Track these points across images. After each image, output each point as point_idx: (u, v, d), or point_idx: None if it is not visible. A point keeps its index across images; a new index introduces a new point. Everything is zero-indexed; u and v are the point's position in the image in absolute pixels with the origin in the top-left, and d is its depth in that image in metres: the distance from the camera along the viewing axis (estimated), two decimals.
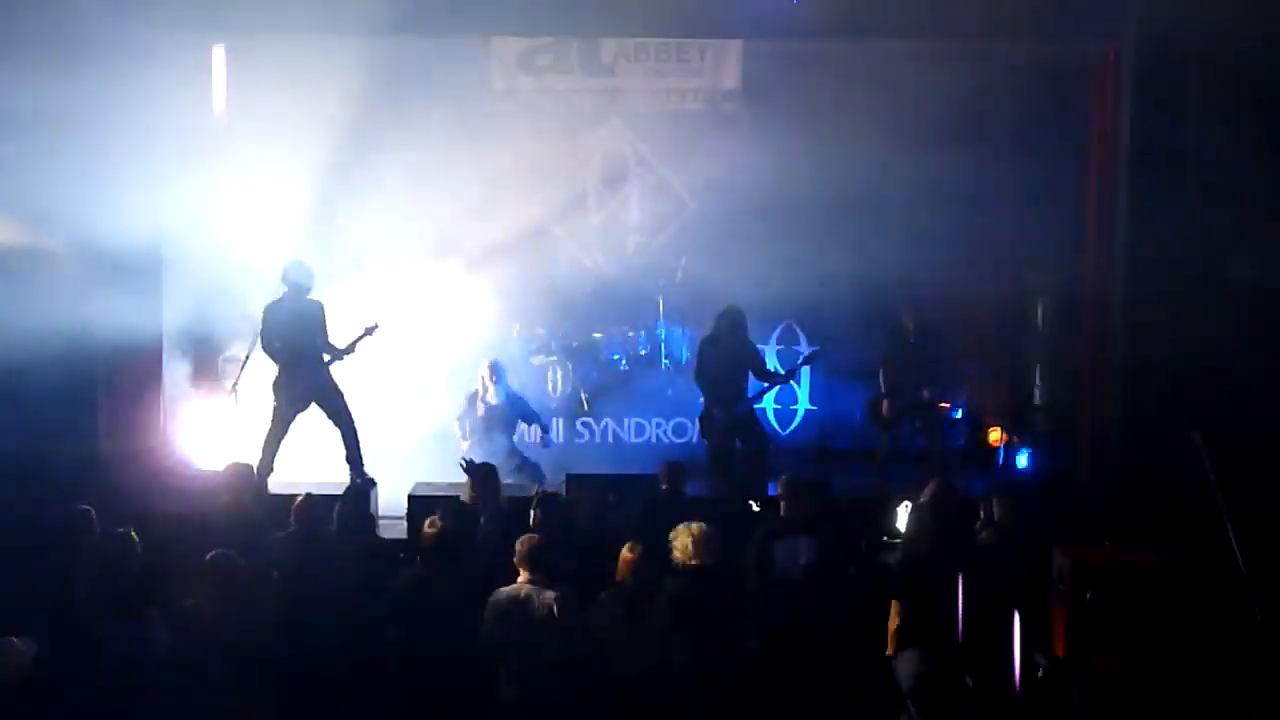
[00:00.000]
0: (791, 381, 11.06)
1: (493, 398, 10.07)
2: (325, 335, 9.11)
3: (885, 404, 9.89)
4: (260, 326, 9.14)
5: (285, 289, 9.12)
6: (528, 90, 12.69)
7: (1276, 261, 9.08)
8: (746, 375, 9.64)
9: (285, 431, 9.18)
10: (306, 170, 10.54)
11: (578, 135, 12.90)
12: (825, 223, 11.30)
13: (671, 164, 12.96)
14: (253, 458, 9.07)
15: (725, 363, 9.52)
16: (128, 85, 9.05)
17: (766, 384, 9.79)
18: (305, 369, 9.06)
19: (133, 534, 6.65)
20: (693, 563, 6.50)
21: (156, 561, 6.73)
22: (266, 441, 9.18)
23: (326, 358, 9.11)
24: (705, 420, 9.64)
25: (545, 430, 10.44)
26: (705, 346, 9.73)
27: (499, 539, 7.14)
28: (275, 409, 9.17)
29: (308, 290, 9.12)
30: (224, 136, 10.30)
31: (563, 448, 10.64)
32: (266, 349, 9.13)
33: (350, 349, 9.10)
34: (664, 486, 8.07)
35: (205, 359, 10.68)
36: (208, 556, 6.39)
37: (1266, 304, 8.99)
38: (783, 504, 7.17)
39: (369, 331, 9.12)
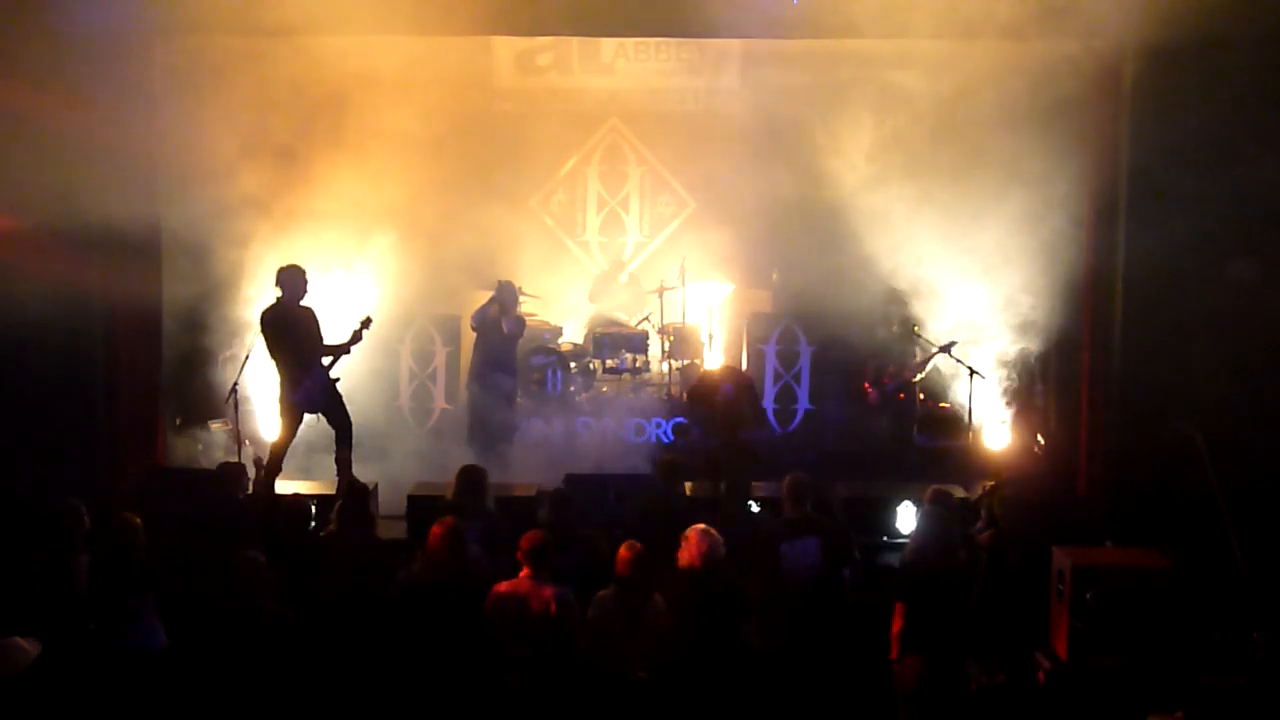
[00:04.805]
0: (791, 383, 11.15)
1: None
2: (322, 339, 9.01)
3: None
4: (261, 334, 8.95)
5: (281, 294, 8.88)
6: (528, 90, 12.72)
7: (1276, 261, 9.09)
8: (740, 410, 9.59)
9: (293, 437, 9.07)
10: (307, 170, 10.56)
11: (578, 135, 12.93)
12: (825, 222, 11.32)
13: (671, 164, 12.98)
14: (250, 459, 9.08)
15: (721, 406, 9.47)
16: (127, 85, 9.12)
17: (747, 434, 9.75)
18: (309, 375, 8.90)
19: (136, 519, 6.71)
20: (697, 565, 6.49)
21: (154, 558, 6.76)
22: (275, 447, 9.08)
23: (327, 360, 9.03)
24: (682, 433, 10.02)
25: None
26: (703, 387, 9.72)
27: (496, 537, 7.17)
28: (283, 418, 9.01)
29: (304, 296, 8.95)
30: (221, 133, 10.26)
31: (563, 448, 10.64)
32: (272, 357, 8.94)
33: (349, 345, 9.00)
34: (660, 482, 8.03)
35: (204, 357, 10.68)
36: (233, 555, 6.36)
37: (1266, 304, 8.98)
38: (787, 505, 7.07)
39: (365, 325, 9.01)
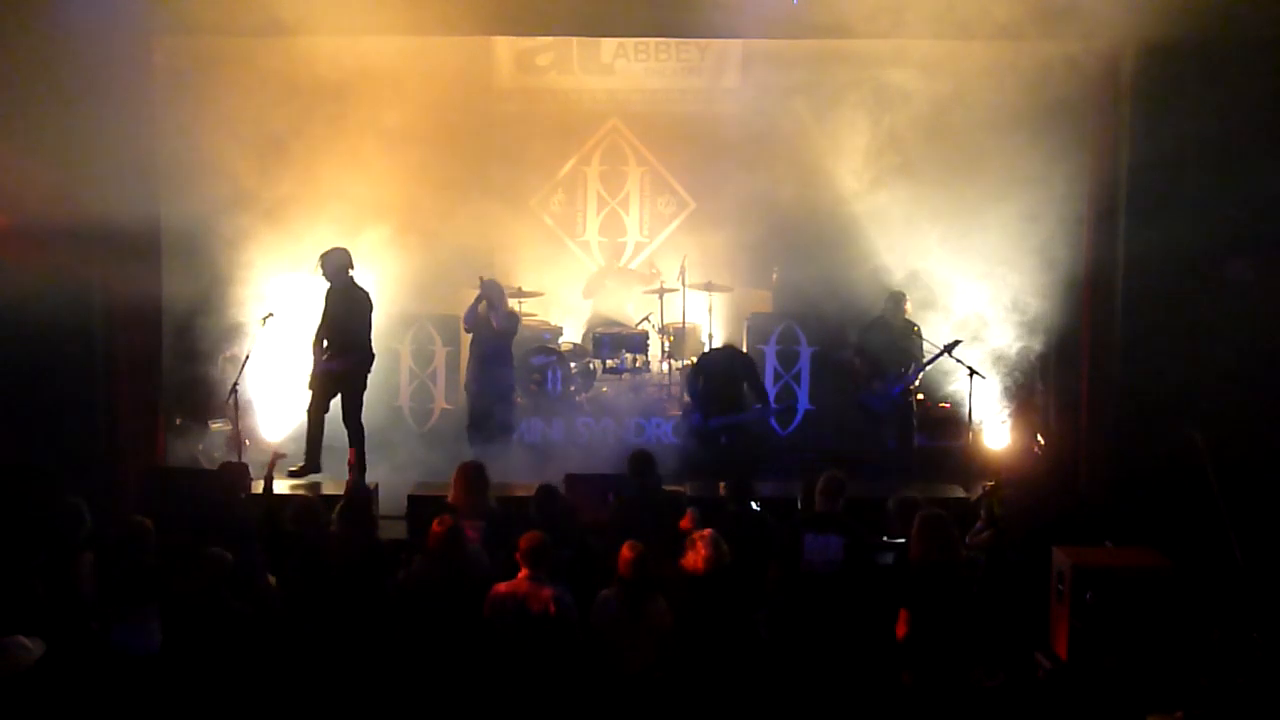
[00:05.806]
0: (791, 383, 11.17)
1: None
2: (370, 324, 9.41)
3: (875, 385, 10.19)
4: (321, 313, 9.38)
5: (333, 278, 9.31)
6: (528, 90, 12.71)
7: (1276, 261, 9.09)
8: (739, 389, 9.94)
9: (322, 406, 9.37)
10: (307, 170, 10.56)
11: (578, 135, 12.93)
12: (825, 222, 11.32)
13: (671, 164, 12.97)
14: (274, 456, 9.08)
15: (720, 382, 9.93)
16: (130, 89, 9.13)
17: (747, 413, 10.00)
18: (345, 355, 9.28)
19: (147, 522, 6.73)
20: (701, 570, 6.50)
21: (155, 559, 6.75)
22: (310, 438, 9.39)
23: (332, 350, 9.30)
24: (682, 423, 10.25)
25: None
26: (704, 361, 10.24)
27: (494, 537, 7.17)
28: (313, 399, 9.36)
29: (340, 276, 9.32)
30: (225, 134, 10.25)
31: (563, 447, 10.63)
32: (323, 335, 9.35)
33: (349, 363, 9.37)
34: (634, 480, 8.00)
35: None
36: (205, 552, 6.38)
37: (1266, 304, 8.98)
38: (819, 499, 7.29)
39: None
